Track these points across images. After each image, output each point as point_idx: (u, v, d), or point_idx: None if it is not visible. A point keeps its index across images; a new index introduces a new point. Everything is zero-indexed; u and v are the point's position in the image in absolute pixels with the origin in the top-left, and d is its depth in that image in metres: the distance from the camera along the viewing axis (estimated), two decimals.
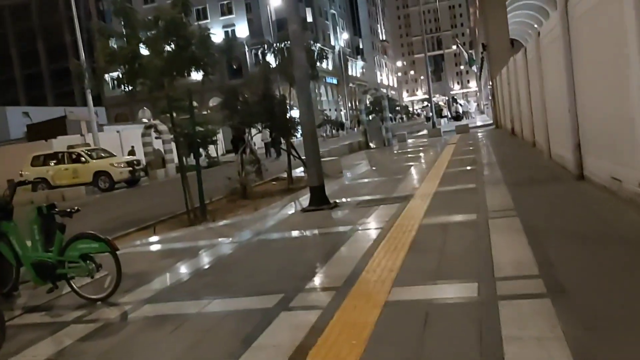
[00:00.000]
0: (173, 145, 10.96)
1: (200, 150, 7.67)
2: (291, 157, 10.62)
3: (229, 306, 3.41)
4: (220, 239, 5.85)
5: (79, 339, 3.19)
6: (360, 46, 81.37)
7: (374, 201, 6.72)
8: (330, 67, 56.59)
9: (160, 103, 7.60)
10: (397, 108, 47.81)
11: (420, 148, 15.56)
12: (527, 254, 3.54)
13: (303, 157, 9.08)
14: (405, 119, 62.64)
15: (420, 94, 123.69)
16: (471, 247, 3.93)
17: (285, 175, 10.92)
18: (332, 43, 62.57)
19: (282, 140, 11.33)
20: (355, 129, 45.96)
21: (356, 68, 76.88)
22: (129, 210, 10.49)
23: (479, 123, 27.43)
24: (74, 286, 3.98)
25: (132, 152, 20.18)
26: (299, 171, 11.90)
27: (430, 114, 29.03)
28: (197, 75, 7.47)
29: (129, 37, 6.50)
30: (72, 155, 16.85)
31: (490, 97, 23.23)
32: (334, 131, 43.68)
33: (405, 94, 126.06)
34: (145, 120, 28.33)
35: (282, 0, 30.11)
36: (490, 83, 21.87)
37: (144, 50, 6.84)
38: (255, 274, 4.11)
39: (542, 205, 5.13)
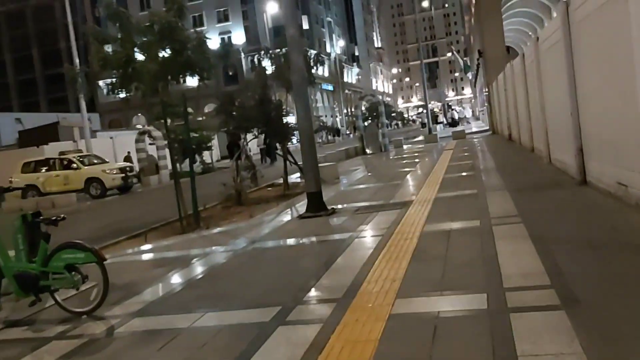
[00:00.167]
0: (167, 151, 10.76)
1: (195, 156, 7.48)
2: (287, 162, 10.45)
3: (222, 320, 3.21)
4: (213, 248, 5.65)
5: (61, 357, 2.98)
6: (356, 53, 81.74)
7: (372, 207, 6.56)
8: (326, 74, 56.72)
9: (154, 109, 7.44)
10: (393, 114, 47.90)
11: (418, 154, 15.45)
12: (535, 262, 3.38)
13: (299, 163, 8.92)
14: (400, 125, 62.77)
15: (415, 101, 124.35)
16: (476, 256, 3.77)
17: (280, 181, 10.75)
18: (328, 50, 62.78)
19: (278, 146, 11.18)
20: (351, 135, 45.95)
21: (352, 75, 77.17)
22: (120, 218, 10.25)
23: (474, 129, 27.46)
24: (58, 299, 3.76)
25: (128, 158, 19.88)
26: (294, 177, 11.73)
27: (426, 120, 29.03)
28: (192, 81, 7.32)
29: (123, 42, 6.33)
30: (64, 162, 16.56)
31: (486, 104, 23.26)
32: (330, 137, 43.63)
33: (400, 101, 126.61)
34: (139, 126, 28.07)
35: (280, 5, 30.09)
36: (486, 89, 21.90)
37: (138, 55, 6.68)
38: (251, 285, 3.92)
39: (547, 212, 4.98)
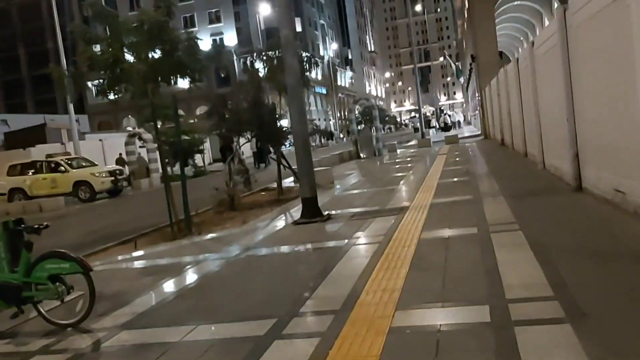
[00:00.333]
0: (158, 154, 10.57)
1: (187, 159, 7.32)
2: (281, 166, 10.32)
3: (215, 333, 3.08)
4: (206, 255, 5.49)
5: None
6: (349, 57, 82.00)
7: (368, 213, 6.46)
8: (319, 77, 56.74)
9: (145, 111, 7.27)
10: (387, 118, 48.04)
11: (411, 158, 15.42)
12: (537, 272, 3.30)
13: (293, 167, 8.80)
14: (393, 129, 63.01)
15: (407, 105, 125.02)
16: (476, 265, 3.68)
17: (274, 185, 10.61)
18: (322, 53, 62.85)
19: (271, 150, 11.05)
20: (345, 138, 45.91)
21: (345, 78, 77.33)
22: (109, 222, 10.03)
23: (467, 134, 27.58)
24: (42, 310, 3.60)
25: (120, 161, 19.52)
26: (288, 181, 11.60)
27: (418, 124, 29.10)
28: (183, 83, 7.17)
29: (110, 42, 6.15)
30: (51, 165, 16.22)
31: (478, 108, 23.36)
32: (323, 141, 43.54)
33: (393, 105, 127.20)
34: (129, 128, 27.72)
35: (273, 6, 29.98)
36: (479, 94, 22.01)
37: (128, 56, 6.51)
38: (244, 295, 3.78)
39: (544, 218, 4.92)
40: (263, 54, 10.72)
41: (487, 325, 2.63)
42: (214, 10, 52.02)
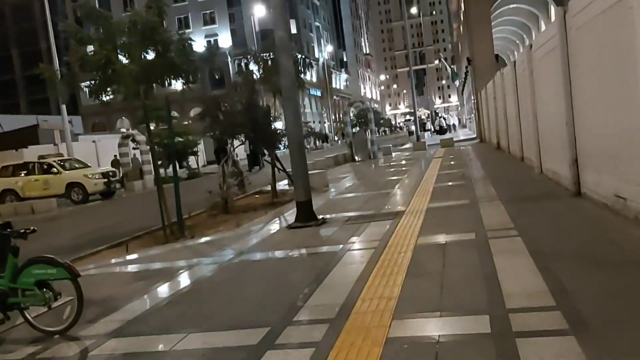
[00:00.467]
0: (150, 155, 10.43)
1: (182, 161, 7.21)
2: (275, 169, 10.22)
3: (206, 342, 2.97)
4: (198, 259, 5.38)
5: None
6: (344, 59, 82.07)
7: (364, 217, 6.38)
8: (314, 79, 56.70)
9: (138, 112, 7.15)
10: (382, 121, 48.10)
11: (407, 161, 15.39)
12: (537, 280, 3.23)
13: (288, 170, 8.71)
14: (388, 132, 63.12)
15: (402, 108, 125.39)
16: (474, 272, 3.61)
17: (268, 188, 10.51)
18: (316, 55, 62.83)
19: (266, 152, 10.95)
20: (340, 141, 45.87)
21: (340, 81, 77.37)
22: (101, 225, 9.87)
23: (462, 137, 27.63)
24: (29, 317, 3.48)
25: (116, 163, 19.29)
26: (282, 184, 11.50)
27: (413, 127, 29.12)
28: (177, 85, 7.06)
29: (102, 42, 6.03)
30: (43, 166, 16.03)
31: (474, 111, 23.41)
32: (318, 143, 43.47)
33: (388, 108, 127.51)
34: (123, 130, 27.49)
35: (268, 6, 29.91)
36: (474, 97, 22.05)
37: (120, 57, 6.39)
38: (237, 302, 3.68)
39: (543, 224, 4.86)
40: (258, 55, 10.64)
41: (488, 336, 2.55)
42: (208, 11, 51.84)
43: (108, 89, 6.25)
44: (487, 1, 20.04)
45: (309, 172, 7.12)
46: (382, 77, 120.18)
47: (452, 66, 46.28)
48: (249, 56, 10.91)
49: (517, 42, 27.43)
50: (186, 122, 26.64)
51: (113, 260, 5.98)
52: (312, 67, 11.16)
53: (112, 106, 7.33)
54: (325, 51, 68.08)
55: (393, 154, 19.53)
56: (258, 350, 2.72)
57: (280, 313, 3.23)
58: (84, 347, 3.17)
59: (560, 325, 2.54)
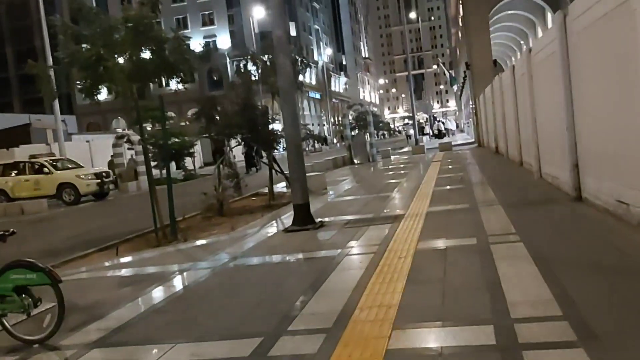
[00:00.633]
0: (143, 156, 10.26)
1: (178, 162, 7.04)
2: (272, 171, 10.07)
3: (195, 353, 2.81)
4: (190, 264, 5.21)
5: None
6: (344, 62, 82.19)
7: (362, 221, 6.23)
8: (313, 82, 56.71)
9: (134, 112, 6.98)
10: (380, 124, 48.08)
11: (405, 165, 15.27)
12: (542, 288, 3.09)
13: (285, 172, 8.56)
14: (387, 135, 63.10)
15: (401, 112, 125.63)
16: (477, 279, 3.46)
17: (265, 190, 10.35)
18: (316, 58, 62.85)
19: (263, 154, 10.81)
20: (338, 144, 45.79)
21: (339, 84, 77.43)
22: (93, 227, 9.67)
23: (460, 141, 27.57)
24: (7, 325, 3.30)
25: (112, 164, 19.03)
26: (280, 186, 11.34)
27: (411, 131, 29.06)
28: (173, 85, 6.91)
29: (92, 39, 5.86)
30: (35, 166, 15.72)
31: (472, 116, 23.37)
32: (317, 146, 43.40)
33: (386, 111, 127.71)
34: (119, 130, 27.28)
35: (267, 7, 29.87)
36: (473, 102, 22.00)
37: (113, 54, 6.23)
38: (229, 310, 3.51)
39: (545, 230, 4.73)
40: (256, 56, 10.51)
41: (492, 348, 2.40)
42: (207, 12, 51.77)
43: (100, 88, 6.08)
44: (486, 7, 20.09)
45: (307, 174, 6.97)
46: (381, 81, 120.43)
47: (450, 71, 46.37)
48: (247, 57, 10.79)
49: (515, 47, 27.50)
50: (183, 123, 26.49)
51: (101, 264, 5.80)
52: (309, 67, 11.01)
53: (108, 106, 7.20)
54: (324, 54, 68.13)
55: (392, 157, 19.43)
56: None
57: (274, 322, 3.07)
58: (64, 358, 3.01)
59: (568, 337, 2.39)
